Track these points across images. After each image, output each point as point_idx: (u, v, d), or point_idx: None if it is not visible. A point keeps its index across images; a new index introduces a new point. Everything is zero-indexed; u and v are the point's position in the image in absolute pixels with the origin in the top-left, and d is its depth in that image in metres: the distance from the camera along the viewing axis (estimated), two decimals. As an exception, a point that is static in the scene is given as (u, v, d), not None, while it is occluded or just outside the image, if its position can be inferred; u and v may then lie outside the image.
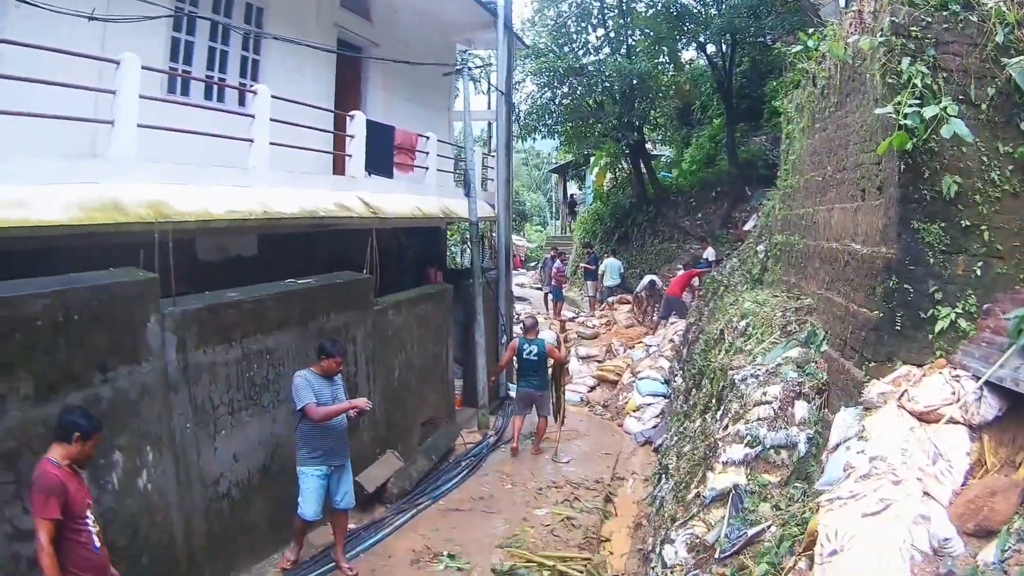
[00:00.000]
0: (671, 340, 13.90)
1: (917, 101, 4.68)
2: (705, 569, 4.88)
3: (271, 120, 7.71)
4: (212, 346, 6.08)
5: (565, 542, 7.47)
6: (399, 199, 10.45)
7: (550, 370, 10.35)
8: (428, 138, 11.65)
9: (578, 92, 20.00)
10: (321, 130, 9.07)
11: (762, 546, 4.59)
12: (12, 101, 5.17)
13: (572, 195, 36.51)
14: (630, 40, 20.15)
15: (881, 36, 5.06)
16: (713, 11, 18.73)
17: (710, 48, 19.88)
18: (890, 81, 4.96)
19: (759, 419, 5.83)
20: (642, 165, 21.72)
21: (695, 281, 15.48)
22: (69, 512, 3.92)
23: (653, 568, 5.92)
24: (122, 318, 5.18)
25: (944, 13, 4.96)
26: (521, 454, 9.99)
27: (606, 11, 20.85)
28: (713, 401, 7.52)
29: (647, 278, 17.48)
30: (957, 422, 4.23)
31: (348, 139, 9.58)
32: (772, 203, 10.73)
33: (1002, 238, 4.86)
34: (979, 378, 4.31)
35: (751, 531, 4.83)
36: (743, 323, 8.45)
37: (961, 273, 4.86)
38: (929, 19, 4.95)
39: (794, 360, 6.48)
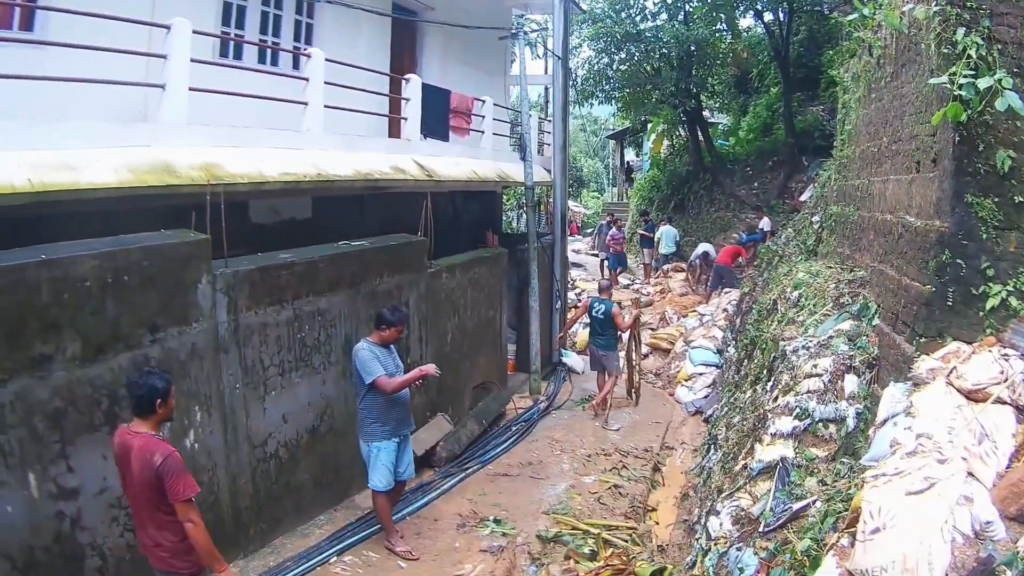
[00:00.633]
0: (724, 309, 13.67)
1: (972, 72, 4.51)
2: (749, 542, 4.81)
3: (325, 83, 7.70)
4: (263, 307, 6.14)
5: (611, 510, 7.45)
6: (454, 163, 10.40)
7: (623, 335, 10.50)
8: (484, 102, 11.56)
9: (635, 58, 19.59)
10: (376, 92, 9.04)
11: (806, 521, 4.51)
12: (61, 67, 5.19)
13: (629, 162, 35.87)
14: (687, 6, 19.77)
15: (936, 5, 4.90)
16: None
17: (767, 16, 19.43)
18: (945, 51, 4.81)
19: (809, 392, 5.71)
20: (699, 132, 21.35)
21: (740, 259, 15.54)
22: None
23: (698, 539, 5.88)
24: (172, 279, 5.25)
25: (998, -17, 4.72)
26: (571, 419, 9.98)
27: (663, -24, 20.30)
28: (764, 372, 7.36)
29: (701, 247, 17.25)
30: (1004, 402, 4.10)
31: (403, 102, 9.55)
32: (828, 173, 10.56)
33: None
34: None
35: (796, 505, 4.73)
36: (796, 294, 8.24)
37: (1013, 250, 4.74)
38: (983, -12, 4.73)
39: (845, 333, 6.32)
